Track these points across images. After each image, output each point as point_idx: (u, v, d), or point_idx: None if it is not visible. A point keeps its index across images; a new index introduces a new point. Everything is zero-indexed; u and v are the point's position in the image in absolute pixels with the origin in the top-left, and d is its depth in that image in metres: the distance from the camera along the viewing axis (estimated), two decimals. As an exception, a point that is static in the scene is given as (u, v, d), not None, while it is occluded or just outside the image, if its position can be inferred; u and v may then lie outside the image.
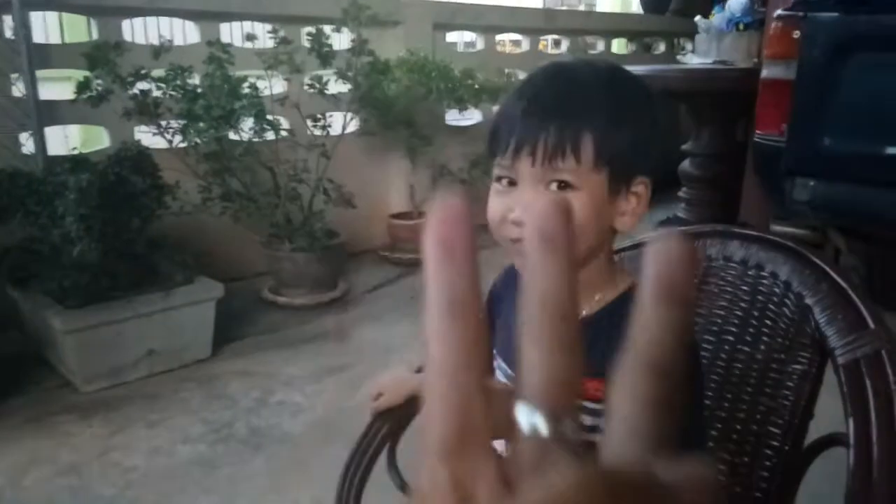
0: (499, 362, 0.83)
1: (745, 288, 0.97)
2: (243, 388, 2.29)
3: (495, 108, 3.97)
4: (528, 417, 0.21)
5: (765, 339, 0.93)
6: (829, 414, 0.83)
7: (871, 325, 0.82)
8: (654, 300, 0.22)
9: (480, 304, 0.22)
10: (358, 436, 1.05)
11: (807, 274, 0.90)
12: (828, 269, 0.89)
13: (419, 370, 1.10)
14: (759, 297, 0.95)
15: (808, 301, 0.88)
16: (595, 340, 0.72)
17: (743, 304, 0.96)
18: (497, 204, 0.71)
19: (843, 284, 0.87)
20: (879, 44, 1.91)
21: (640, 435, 0.22)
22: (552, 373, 0.22)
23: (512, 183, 0.70)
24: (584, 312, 0.74)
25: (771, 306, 0.93)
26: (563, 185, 0.68)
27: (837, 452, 0.79)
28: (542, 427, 0.21)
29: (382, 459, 1.04)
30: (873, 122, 1.93)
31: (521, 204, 0.69)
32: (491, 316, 0.86)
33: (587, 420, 0.78)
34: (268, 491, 1.81)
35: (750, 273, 0.96)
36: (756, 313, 0.94)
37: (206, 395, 2.25)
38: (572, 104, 0.68)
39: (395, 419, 1.06)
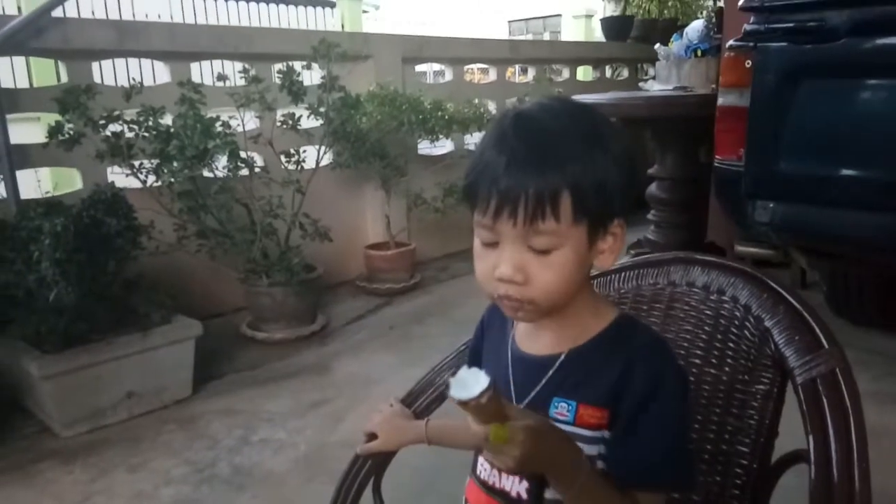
0: None
1: (708, 312, 1.01)
2: (225, 427, 2.28)
3: (466, 138, 4.07)
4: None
5: (729, 360, 0.97)
6: (792, 430, 0.87)
7: (826, 345, 0.87)
8: None
9: None
10: (342, 470, 1.07)
11: (765, 298, 0.95)
12: (784, 292, 0.94)
13: (406, 398, 1.11)
14: (722, 321, 0.99)
15: (767, 324, 0.93)
16: (587, 372, 0.75)
17: (707, 328, 1.00)
18: (482, 263, 0.73)
19: (799, 307, 0.92)
20: (826, 71, 2.01)
21: None
22: None
23: (495, 242, 0.71)
24: (569, 346, 0.76)
25: (733, 329, 0.98)
26: (543, 252, 0.69)
27: (803, 467, 0.83)
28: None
29: (368, 493, 1.07)
30: (824, 146, 2.02)
31: (505, 261, 0.70)
32: (482, 342, 0.89)
33: (586, 448, 0.84)
34: (253, 530, 1.80)
35: (712, 298, 1.01)
36: (720, 336, 0.99)
37: (188, 435, 2.24)
38: (547, 161, 0.68)
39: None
